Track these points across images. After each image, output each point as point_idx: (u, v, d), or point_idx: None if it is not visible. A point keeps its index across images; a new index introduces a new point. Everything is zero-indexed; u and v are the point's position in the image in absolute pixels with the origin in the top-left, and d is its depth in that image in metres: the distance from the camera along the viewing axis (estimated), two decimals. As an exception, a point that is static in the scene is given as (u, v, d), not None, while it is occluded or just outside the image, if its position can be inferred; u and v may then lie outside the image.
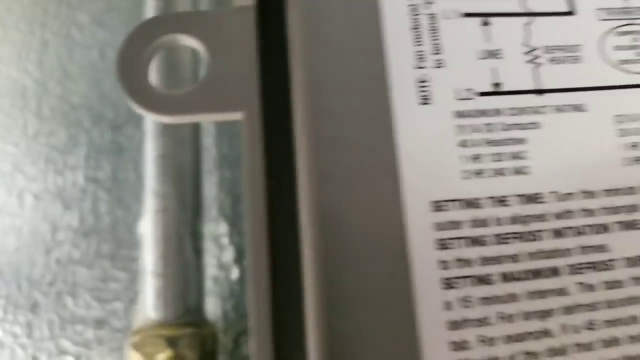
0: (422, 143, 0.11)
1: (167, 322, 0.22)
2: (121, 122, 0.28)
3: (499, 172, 0.11)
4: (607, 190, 0.12)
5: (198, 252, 0.24)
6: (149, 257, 0.22)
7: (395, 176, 0.11)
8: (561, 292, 0.11)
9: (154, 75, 0.24)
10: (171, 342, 0.21)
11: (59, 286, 0.25)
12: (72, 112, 0.28)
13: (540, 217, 0.11)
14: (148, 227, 0.23)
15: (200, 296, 0.23)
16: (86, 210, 0.27)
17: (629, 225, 0.11)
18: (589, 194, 0.11)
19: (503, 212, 0.11)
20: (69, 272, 0.26)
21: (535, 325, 0.11)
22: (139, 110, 0.10)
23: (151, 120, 0.24)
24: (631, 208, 0.12)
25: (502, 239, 0.11)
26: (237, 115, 0.10)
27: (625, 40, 0.13)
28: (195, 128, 0.25)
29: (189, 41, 0.10)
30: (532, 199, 0.11)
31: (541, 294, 0.11)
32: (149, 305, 0.22)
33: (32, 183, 0.27)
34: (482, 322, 0.10)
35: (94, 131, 0.28)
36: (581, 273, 0.11)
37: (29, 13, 0.29)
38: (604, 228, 0.11)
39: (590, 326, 0.11)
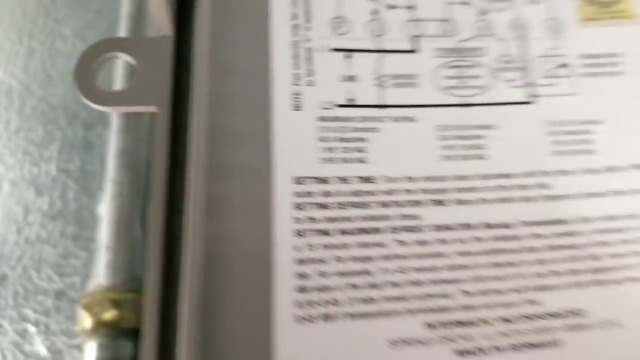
0: (291, 136, 0.16)
1: (114, 288, 0.26)
2: (92, 122, 0.32)
3: (345, 160, 0.16)
4: (425, 177, 0.16)
5: (145, 232, 0.28)
6: (104, 233, 0.27)
7: (269, 159, 0.15)
8: (381, 245, 0.15)
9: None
10: (116, 304, 0.25)
11: (25, 261, 0.29)
12: (50, 111, 0.32)
13: (372, 193, 0.16)
14: (105, 209, 0.27)
15: (144, 268, 0.27)
16: (56, 197, 0.31)
17: (437, 203, 0.16)
18: (410, 179, 0.16)
19: (345, 187, 0.16)
20: (35, 250, 0.30)
21: (359, 266, 0.15)
22: (86, 102, 0.14)
23: (116, 121, 0.28)
24: (441, 191, 0.16)
25: (341, 205, 0.15)
26: (153, 108, 0.15)
27: (453, 72, 0.18)
28: (153, 128, 0.29)
29: (125, 57, 0.15)
30: (367, 179, 0.16)
31: (366, 245, 0.15)
32: (101, 273, 0.26)
33: (10, 172, 0.31)
34: (320, 261, 0.15)
35: (68, 129, 0.32)
36: (398, 233, 0.16)
37: (19, 24, 0.34)
38: (418, 203, 0.16)
39: (401, 270, 0.15)
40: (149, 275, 0.14)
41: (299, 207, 0.15)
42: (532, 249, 0.16)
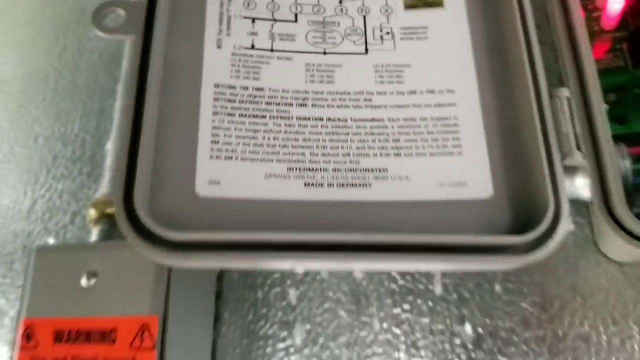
0: (214, 62, 0.27)
1: (113, 194, 0.37)
2: (105, 96, 0.44)
3: (246, 77, 0.28)
4: (294, 90, 0.28)
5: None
6: (108, 159, 0.38)
7: (200, 77, 0.27)
8: (264, 124, 0.27)
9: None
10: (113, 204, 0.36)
11: (51, 192, 0.41)
12: (75, 89, 0.44)
13: (261, 96, 0.27)
14: (110, 144, 0.39)
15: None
16: (77, 147, 0.42)
17: (301, 105, 0.27)
18: (285, 91, 0.28)
19: (244, 92, 0.27)
20: (60, 184, 0.41)
21: (250, 134, 0.26)
22: (97, 32, 0.26)
23: (120, 89, 0.40)
24: (304, 99, 0.28)
25: (241, 101, 0.27)
26: (133, 37, 0.26)
27: (319, 34, 0.29)
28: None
29: (119, 10, 0.27)
30: (258, 89, 0.27)
31: (255, 124, 0.27)
32: (104, 185, 0.38)
33: (44, 131, 0.43)
34: (226, 129, 0.26)
35: (88, 100, 0.44)
36: (275, 119, 0.27)
37: (56, 29, 0.46)
38: (289, 104, 0.27)
39: (275, 139, 0.27)
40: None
41: (216, 99, 0.27)
42: (356, 134, 0.27)
